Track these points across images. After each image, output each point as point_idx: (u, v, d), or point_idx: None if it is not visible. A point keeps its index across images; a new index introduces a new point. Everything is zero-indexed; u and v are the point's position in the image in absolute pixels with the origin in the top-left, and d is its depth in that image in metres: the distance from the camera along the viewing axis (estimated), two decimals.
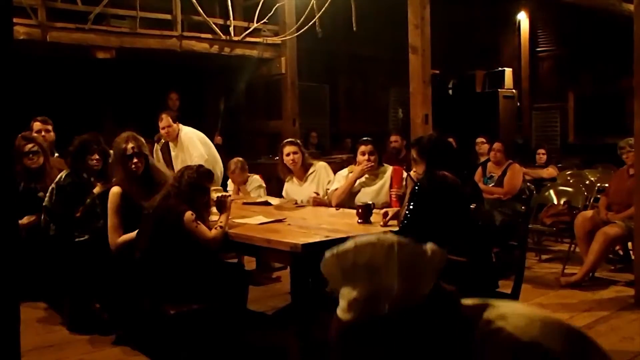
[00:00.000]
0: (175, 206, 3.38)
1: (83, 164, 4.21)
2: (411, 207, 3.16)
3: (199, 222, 3.37)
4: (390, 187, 4.38)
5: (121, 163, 3.84)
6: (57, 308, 4.38)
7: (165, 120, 5.63)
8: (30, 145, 4.69)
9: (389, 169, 4.48)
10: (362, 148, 4.44)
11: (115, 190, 3.79)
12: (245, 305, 3.72)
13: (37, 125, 5.35)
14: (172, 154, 5.77)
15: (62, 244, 4.15)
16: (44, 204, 4.30)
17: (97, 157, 4.24)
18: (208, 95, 9.34)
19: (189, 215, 3.33)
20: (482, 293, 2.95)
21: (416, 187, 3.21)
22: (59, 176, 4.34)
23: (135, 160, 3.82)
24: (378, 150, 4.52)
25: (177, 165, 5.45)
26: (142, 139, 4.00)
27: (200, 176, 3.49)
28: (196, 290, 3.32)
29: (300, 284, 3.29)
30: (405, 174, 4.40)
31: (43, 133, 5.31)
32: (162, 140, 5.83)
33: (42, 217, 4.32)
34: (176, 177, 3.55)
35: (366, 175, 4.44)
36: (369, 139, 4.54)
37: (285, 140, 4.93)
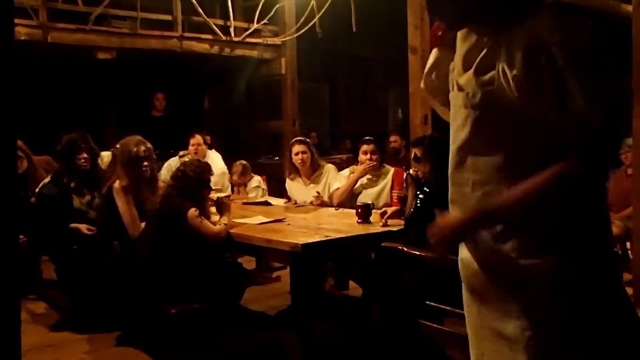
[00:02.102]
0: (178, 204, 3.41)
1: (72, 164, 4.15)
2: (418, 205, 3.18)
3: (202, 217, 3.41)
4: (392, 188, 4.37)
5: (131, 165, 3.86)
6: (58, 307, 4.40)
7: (197, 138, 5.68)
8: None
9: (391, 170, 4.47)
10: (365, 147, 4.44)
11: (118, 185, 3.81)
12: (239, 303, 3.74)
13: None
14: None
15: (54, 252, 4.13)
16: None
17: (85, 155, 4.17)
18: (208, 96, 9.37)
19: (192, 211, 3.37)
20: None
21: (424, 188, 3.23)
22: (42, 182, 4.27)
23: (145, 163, 3.88)
24: (380, 150, 4.52)
25: None
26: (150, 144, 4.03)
27: (203, 169, 3.58)
28: (198, 289, 3.34)
29: (300, 284, 3.30)
30: (405, 174, 4.41)
31: None
32: (186, 157, 5.75)
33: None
34: (176, 175, 3.57)
35: (368, 176, 4.44)
36: (371, 138, 4.54)
37: (295, 139, 4.84)
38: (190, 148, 5.66)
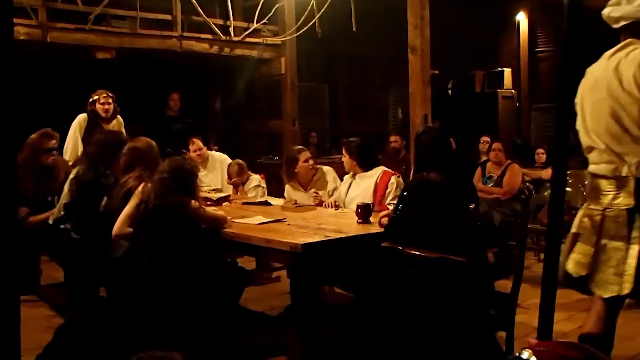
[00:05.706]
0: (177, 200, 3.38)
1: (112, 160, 4.04)
2: (398, 208, 3.16)
3: (202, 206, 3.47)
4: (375, 191, 4.16)
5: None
6: (58, 307, 4.39)
7: (196, 144, 5.58)
8: (53, 142, 4.60)
9: (378, 172, 4.25)
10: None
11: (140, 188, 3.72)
12: (239, 303, 3.73)
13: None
14: (201, 172, 5.31)
15: (83, 244, 4.04)
16: (63, 201, 4.11)
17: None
18: (208, 96, 9.36)
19: (194, 203, 3.38)
20: (479, 293, 2.95)
21: (404, 191, 3.22)
22: (75, 170, 4.14)
23: None
24: (365, 151, 4.35)
25: (206, 182, 5.38)
26: None
27: (193, 166, 3.65)
28: (198, 289, 3.33)
29: (299, 284, 3.30)
30: (393, 179, 4.19)
31: (106, 106, 5.52)
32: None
33: (58, 214, 4.15)
34: (169, 173, 3.48)
35: (358, 176, 4.35)
36: (351, 139, 4.45)
37: (298, 147, 4.86)
38: (192, 154, 5.51)
